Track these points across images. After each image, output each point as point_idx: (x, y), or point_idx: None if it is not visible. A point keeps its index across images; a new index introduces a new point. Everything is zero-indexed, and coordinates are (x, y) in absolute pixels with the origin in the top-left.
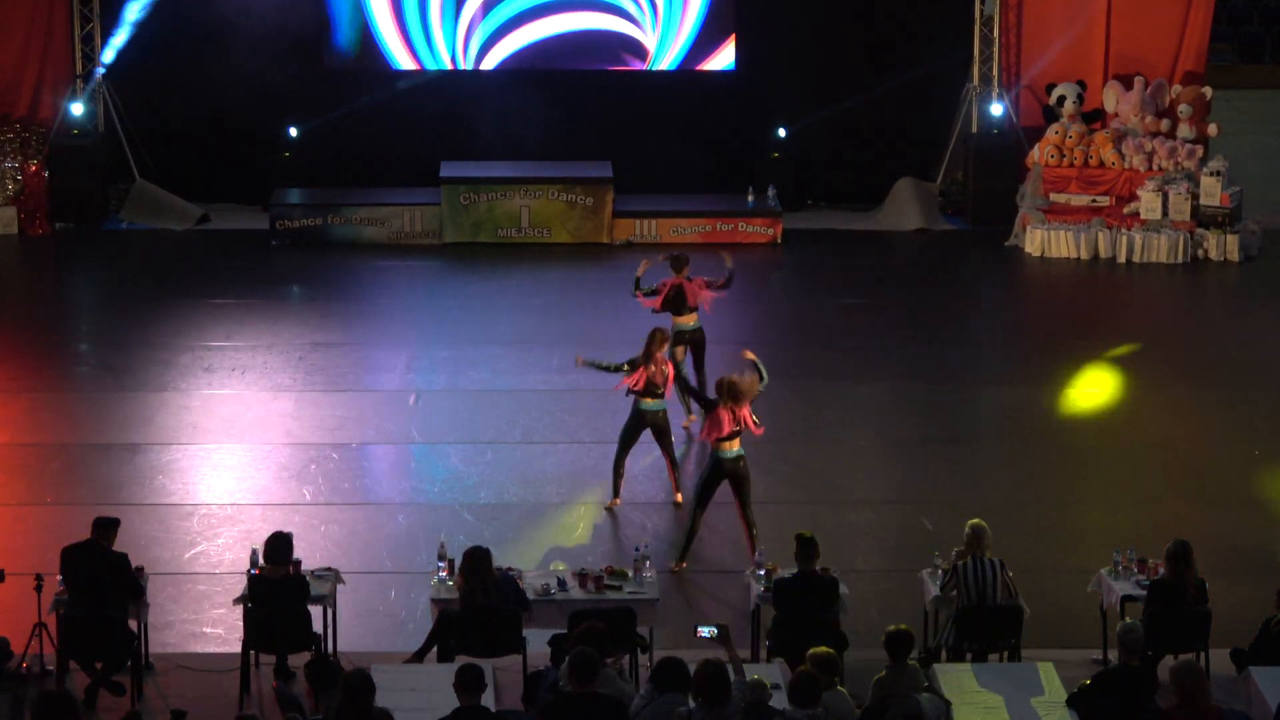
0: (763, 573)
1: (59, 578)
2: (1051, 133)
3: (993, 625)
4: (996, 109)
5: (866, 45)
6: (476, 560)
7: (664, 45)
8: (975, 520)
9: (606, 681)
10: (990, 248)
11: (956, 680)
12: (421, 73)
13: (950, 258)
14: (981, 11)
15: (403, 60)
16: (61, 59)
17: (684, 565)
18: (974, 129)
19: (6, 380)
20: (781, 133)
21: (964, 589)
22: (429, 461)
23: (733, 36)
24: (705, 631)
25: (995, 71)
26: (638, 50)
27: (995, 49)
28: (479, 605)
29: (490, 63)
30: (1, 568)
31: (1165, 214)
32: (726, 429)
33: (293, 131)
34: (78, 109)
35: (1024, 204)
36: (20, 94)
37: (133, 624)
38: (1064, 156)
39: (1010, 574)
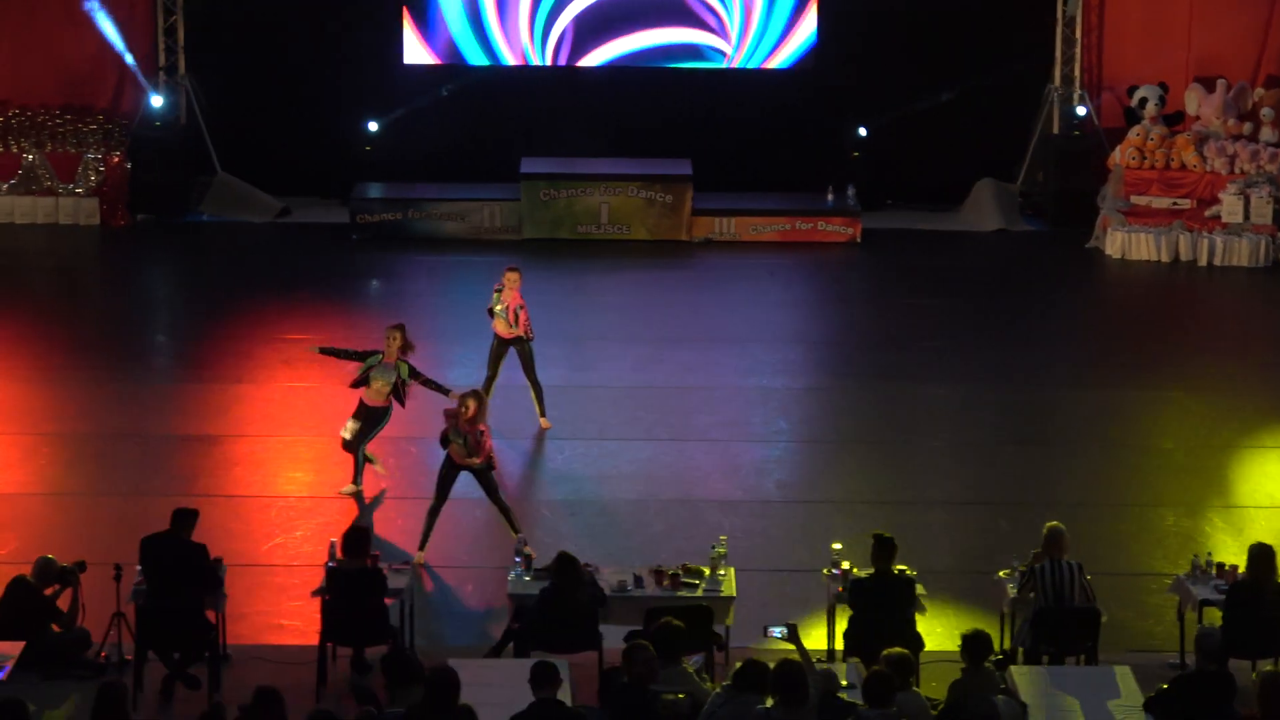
0: (837, 572)
1: (138, 568)
2: (1133, 135)
3: (1070, 628)
4: (1078, 110)
5: (948, 45)
6: (565, 565)
7: (746, 43)
8: (1053, 523)
9: (681, 679)
10: (1070, 249)
11: (1033, 683)
12: (502, 68)
13: (1030, 259)
14: (1064, 12)
15: (485, 56)
16: (143, 51)
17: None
18: (1055, 130)
19: (88, 371)
20: (862, 132)
21: (1041, 591)
22: (505, 457)
23: (815, 35)
24: (775, 631)
25: (1077, 72)
26: (719, 47)
27: (1077, 50)
28: (557, 601)
29: (571, 59)
30: (84, 559)
31: (1246, 217)
32: None
33: (372, 126)
34: (159, 101)
35: (1104, 206)
36: (103, 86)
37: (210, 615)
38: (1145, 159)
39: (1088, 577)
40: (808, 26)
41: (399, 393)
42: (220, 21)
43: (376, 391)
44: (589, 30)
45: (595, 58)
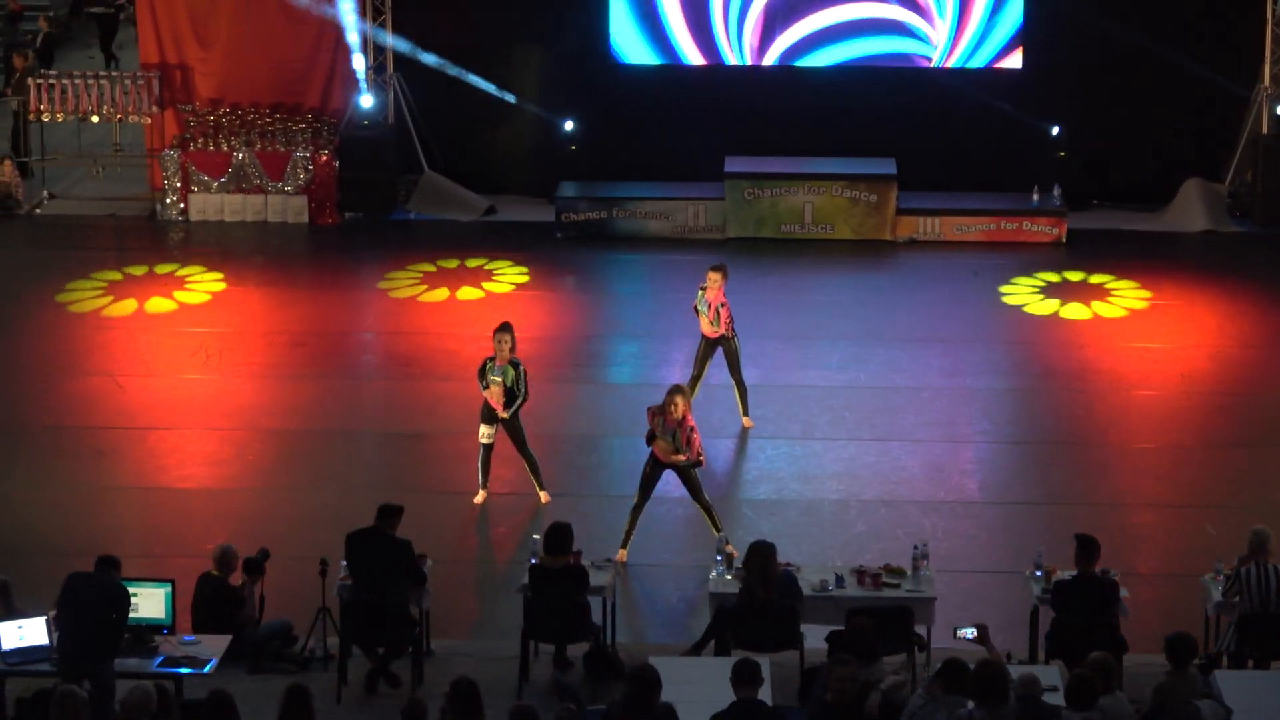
0: (1040, 574)
1: (343, 563)
2: None
3: (1275, 632)
4: None
5: (1155, 44)
6: (760, 554)
7: (951, 42)
8: (1259, 526)
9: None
10: (1279, 251)
11: (1238, 687)
12: (707, 68)
13: (1238, 260)
14: (1273, 11)
15: (689, 55)
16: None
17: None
18: (1264, 130)
19: (295, 367)
20: (1054, 130)
21: (1246, 595)
22: (708, 456)
23: (1021, 34)
24: (966, 633)
25: None
26: (925, 47)
27: None
28: (758, 600)
29: (776, 58)
30: (265, 547)
31: None
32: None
33: (570, 125)
34: (368, 101)
35: None
36: (312, 85)
37: (414, 611)
38: None
39: None
40: (1014, 25)
41: (511, 395)
42: (428, 20)
43: (494, 394)
44: (794, 30)
45: (801, 57)
